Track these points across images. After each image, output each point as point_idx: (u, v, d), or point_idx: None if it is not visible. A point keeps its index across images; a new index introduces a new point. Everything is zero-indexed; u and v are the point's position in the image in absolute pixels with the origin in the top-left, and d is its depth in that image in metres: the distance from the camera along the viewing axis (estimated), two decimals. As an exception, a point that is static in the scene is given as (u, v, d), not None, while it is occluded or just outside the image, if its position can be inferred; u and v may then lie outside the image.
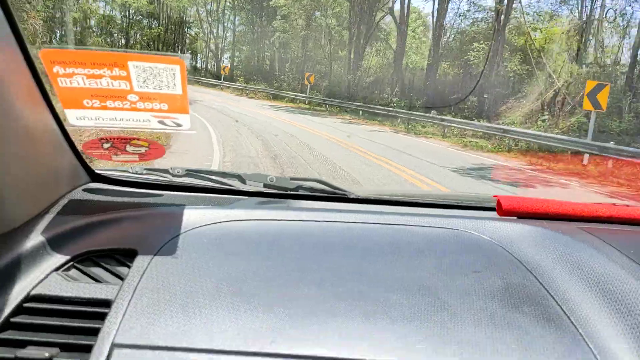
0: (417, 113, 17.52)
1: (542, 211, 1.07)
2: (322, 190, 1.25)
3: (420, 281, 0.77)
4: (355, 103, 20.71)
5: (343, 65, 28.58)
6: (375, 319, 0.68)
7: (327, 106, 21.87)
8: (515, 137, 12.62)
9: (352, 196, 1.25)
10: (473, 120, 15.54)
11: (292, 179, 1.25)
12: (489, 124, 14.69)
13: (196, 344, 0.62)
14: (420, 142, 13.35)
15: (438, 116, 16.04)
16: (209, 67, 39.52)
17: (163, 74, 0.80)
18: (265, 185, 1.23)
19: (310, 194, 1.24)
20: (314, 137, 11.30)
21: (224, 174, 1.23)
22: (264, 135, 10.15)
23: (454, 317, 0.69)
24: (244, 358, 0.61)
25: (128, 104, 0.83)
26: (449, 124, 15.29)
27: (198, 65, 39.97)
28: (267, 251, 0.83)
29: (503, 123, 15.09)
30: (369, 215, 0.98)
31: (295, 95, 24.75)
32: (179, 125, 0.89)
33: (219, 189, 1.19)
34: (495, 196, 1.13)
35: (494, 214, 1.13)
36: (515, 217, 1.07)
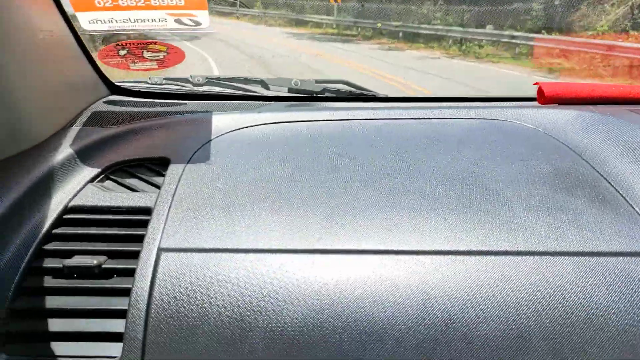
0: (472, 30, 13.65)
1: (586, 95, 1.00)
2: (349, 92, 1.20)
3: (464, 171, 0.74)
4: (392, 23, 16.09)
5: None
6: (423, 211, 0.66)
7: (359, 29, 17.61)
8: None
9: (380, 96, 1.19)
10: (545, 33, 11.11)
11: (317, 81, 1.19)
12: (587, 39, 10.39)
13: (242, 244, 0.61)
14: (491, 70, 8.94)
15: (505, 33, 11.97)
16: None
17: None
18: (289, 90, 1.18)
19: (337, 95, 1.18)
20: (352, 74, 8.21)
21: (246, 80, 1.17)
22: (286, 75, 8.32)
23: (505, 205, 0.67)
24: (291, 256, 0.60)
25: (142, 1, 0.77)
26: (525, 42, 10.59)
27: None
28: (301, 152, 0.80)
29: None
30: (402, 111, 0.93)
31: (321, 19, 20.29)
32: (197, 23, 0.83)
33: (243, 96, 1.14)
34: (536, 83, 1.07)
35: (535, 103, 1.07)
36: (557, 105, 1.01)
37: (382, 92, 1.21)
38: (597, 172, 0.73)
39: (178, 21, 0.82)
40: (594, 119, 0.86)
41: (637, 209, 0.65)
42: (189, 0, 0.78)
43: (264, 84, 1.18)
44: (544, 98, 1.02)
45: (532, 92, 1.12)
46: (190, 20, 0.82)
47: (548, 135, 0.84)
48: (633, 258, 0.58)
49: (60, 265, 0.62)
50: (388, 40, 14.61)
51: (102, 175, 0.78)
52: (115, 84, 1.04)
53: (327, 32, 18.54)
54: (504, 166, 0.75)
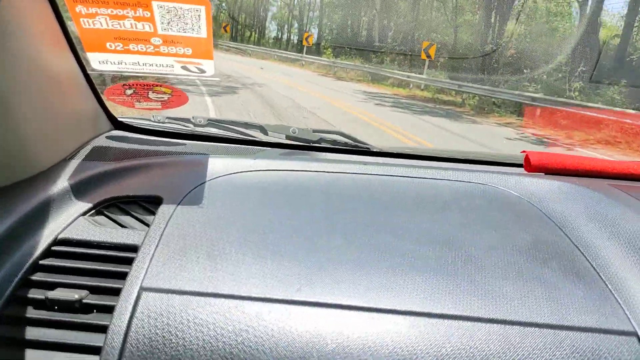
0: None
1: (572, 167, 1.04)
2: (345, 143, 1.23)
3: (446, 234, 0.76)
4: (525, 93, 11.04)
5: (475, 32, 17.46)
6: (401, 270, 0.67)
7: (465, 96, 12.11)
8: None
9: (374, 149, 1.23)
10: None
11: (314, 131, 1.23)
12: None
13: (222, 289, 0.62)
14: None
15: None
16: (292, 38, 32.38)
17: (187, 15, 0.77)
18: (287, 137, 1.21)
19: (332, 146, 1.22)
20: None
21: (246, 125, 1.21)
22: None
23: (481, 271, 0.68)
24: (269, 305, 0.61)
25: (151, 47, 0.81)
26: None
27: (278, 35, 33.20)
28: (291, 201, 0.82)
29: None
30: (393, 168, 0.96)
31: (408, 77, 14.52)
32: (202, 71, 0.87)
33: (241, 140, 1.18)
34: (523, 151, 1.10)
35: (521, 170, 1.10)
36: (543, 174, 1.04)
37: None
38: (574, 245, 0.75)
39: (185, 68, 0.86)
40: (576, 192, 0.89)
41: (610, 286, 0.67)
42: (197, 49, 0.83)
43: (263, 129, 1.22)
44: (530, 166, 1.06)
45: (521, 158, 1.16)
46: (196, 67, 0.87)
47: (530, 204, 0.87)
48: (601, 335, 0.59)
49: (43, 297, 0.63)
50: (512, 118, 10.26)
51: (95, 210, 0.79)
52: (119, 119, 1.08)
53: (414, 94, 13.41)
54: (485, 232, 0.77)
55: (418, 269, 0.68)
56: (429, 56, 14.28)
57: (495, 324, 0.60)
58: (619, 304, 0.64)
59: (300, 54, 22.45)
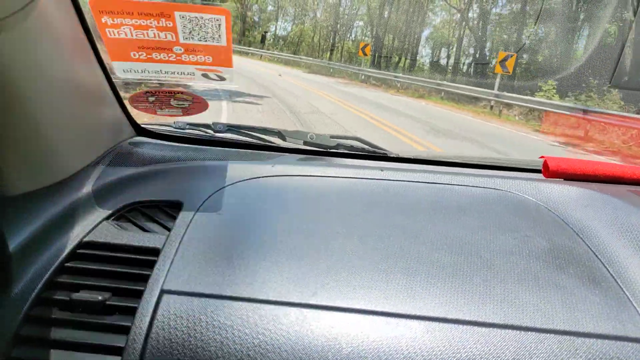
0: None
1: (590, 173, 1.03)
2: (362, 149, 1.24)
3: (462, 239, 0.76)
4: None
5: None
6: (417, 275, 0.68)
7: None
8: None
9: (392, 155, 1.23)
10: None
11: (332, 136, 1.24)
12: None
13: (240, 293, 0.64)
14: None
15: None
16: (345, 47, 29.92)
17: (208, 24, 0.79)
18: (305, 143, 1.23)
19: (350, 152, 1.23)
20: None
21: (265, 130, 1.23)
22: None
23: (497, 276, 0.68)
24: (285, 309, 0.62)
25: (173, 56, 0.84)
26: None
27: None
28: (309, 206, 0.83)
29: None
30: (410, 174, 0.96)
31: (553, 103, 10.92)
32: (222, 79, 0.89)
33: (260, 145, 1.20)
34: (542, 157, 1.10)
35: (539, 175, 1.09)
36: (561, 179, 1.04)
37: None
38: (592, 251, 0.75)
39: (205, 75, 0.88)
40: (595, 198, 0.88)
41: (627, 292, 0.66)
42: (217, 57, 0.85)
43: (281, 135, 1.24)
44: (548, 172, 1.05)
45: (539, 164, 1.15)
46: (217, 75, 0.89)
47: (548, 210, 0.86)
48: (618, 342, 0.59)
49: (68, 298, 0.66)
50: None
51: (118, 214, 0.82)
52: (141, 126, 1.11)
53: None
54: (501, 237, 0.77)
55: (434, 274, 0.68)
56: (505, 69, 12.47)
57: (510, 330, 0.60)
58: (637, 310, 0.63)
59: (359, 67, 18.78)
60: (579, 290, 0.67)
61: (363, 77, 17.70)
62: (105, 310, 0.65)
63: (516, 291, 0.66)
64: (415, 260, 0.71)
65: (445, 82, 14.76)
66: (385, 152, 1.24)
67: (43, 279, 0.67)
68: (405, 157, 1.24)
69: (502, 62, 12.26)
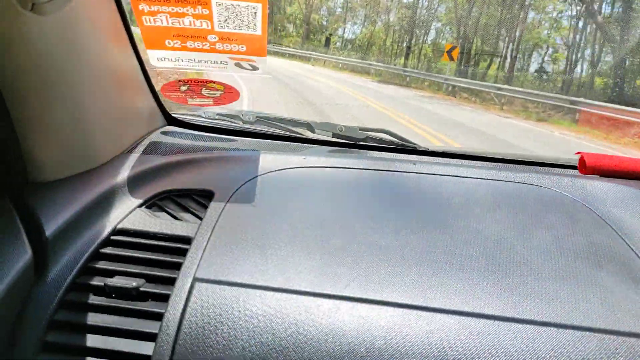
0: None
1: (628, 169, 0.99)
2: (391, 142, 1.22)
3: (497, 235, 0.74)
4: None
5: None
6: (450, 269, 0.66)
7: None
8: None
9: (421, 149, 1.21)
10: None
11: (360, 129, 1.23)
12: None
13: (272, 282, 0.63)
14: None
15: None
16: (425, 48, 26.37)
17: (244, 12, 0.78)
18: (334, 135, 1.22)
19: (379, 144, 1.22)
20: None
21: (294, 122, 1.22)
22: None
23: (534, 272, 0.67)
24: (318, 300, 0.61)
25: (207, 44, 0.83)
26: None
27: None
28: (340, 198, 0.82)
29: None
30: (442, 167, 0.95)
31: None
32: (255, 68, 0.89)
33: (289, 137, 1.19)
34: (578, 152, 1.06)
35: (575, 172, 1.06)
36: (598, 176, 1.01)
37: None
38: (631, 249, 0.72)
39: (238, 65, 0.88)
40: (633, 195, 0.85)
41: None
42: (251, 46, 0.84)
43: (310, 127, 1.23)
44: (585, 168, 1.02)
45: (574, 160, 1.12)
46: (250, 64, 0.88)
47: (586, 207, 0.84)
48: None
49: (102, 284, 0.66)
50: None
51: (151, 202, 0.82)
52: (172, 115, 1.11)
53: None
54: (537, 234, 0.75)
55: (468, 269, 0.67)
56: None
57: (547, 327, 0.58)
58: None
59: (442, 76, 15.23)
60: (619, 288, 0.64)
61: (450, 88, 14.28)
62: (139, 297, 0.66)
63: (554, 288, 0.64)
64: (449, 255, 0.69)
65: (582, 100, 10.08)
66: (414, 145, 1.22)
67: (78, 265, 0.68)
68: (435, 150, 1.22)
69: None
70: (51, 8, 0.58)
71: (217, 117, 1.18)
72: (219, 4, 0.77)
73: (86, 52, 0.70)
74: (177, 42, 0.82)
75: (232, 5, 0.77)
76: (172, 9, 0.76)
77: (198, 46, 0.84)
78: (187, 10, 0.77)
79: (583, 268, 0.68)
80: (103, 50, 0.74)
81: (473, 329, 0.58)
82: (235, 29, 0.81)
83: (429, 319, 0.59)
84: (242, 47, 0.84)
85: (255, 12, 0.79)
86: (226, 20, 0.79)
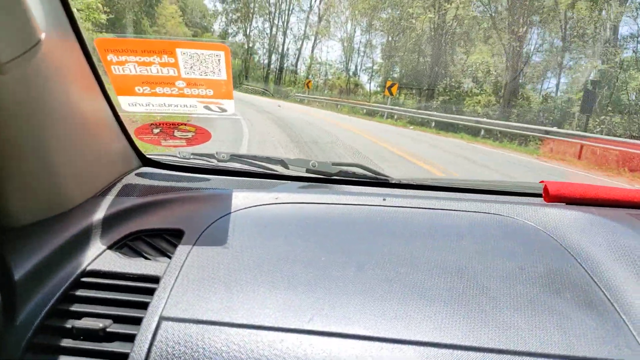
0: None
1: (590, 197, 1.03)
2: (364, 176, 1.26)
3: (459, 265, 0.77)
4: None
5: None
6: (412, 301, 0.68)
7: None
8: None
9: (393, 181, 1.25)
10: None
11: (333, 164, 1.26)
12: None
13: (237, 319, 0.65)
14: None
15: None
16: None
17: (209, 60, 0.83)
18: (307, 170, 1.25)
19: (352, 179, 1.25)
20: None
21: (268, 159, 1.26)
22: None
23: (493, 301, 0.69)
24: (281, 334, 0.63)
25: (176, 90, 0.87)
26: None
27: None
28: (308, 234, 0.85)
29: None
30: (409, 200, 0.98)
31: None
32: (223, 110, 0.92)
33: (263, 174, 1.22)
34: (542, 182, 1.10)
35: (540, 200, 1.10)
36: (562, 204, 1.04)
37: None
38: (590, 275, 0.75)
39: (207, 107, 0.92)
40: (593, 222, 0.88)
41: (624, 316, 0.66)
42: (217, 91, 0.88)
43: (283, 163, 1.26)
44: (549, 197, 1.06)
45: (541, 188, 1.16)
46: (218, 107, 0.92)
47: (547, 235, 0.87)
48: None
49: (70, 326, 0.67)
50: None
51: (122, 243, 0.84)
52: (147, 156, 1.14)
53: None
54: (498, 262, 0.78)
55: (429, 299, 0.69)
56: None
57: (505, 355, 0.60)
58: (633, 335, 0.63)
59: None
60: (575, 314, 0.67)
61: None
62: (106, 338, 0.67)
63: (511, 316, 0.66)
64: (411, 287, 0.71)
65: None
66: (387, 178, 1.26)
67: (47, 307, 0.69)
68: (407, 183, 1.25)
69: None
70: (13, 66, 0.60)
71: (191, 156, 1.21)
72: (184, 53, 0.81)
73: (54, 103, 0.72)
74: (146, 89, 0.86)
75: (197, 53, 0.81)
76: (140, 59, 0.80)
77: (167, 92, 0.87)
78: (154, 59, 0.81)
79: (541, 295, 0.71)
80: (71, 98, 0.77)
81: (432, 358, 0.60)
82: (201, 75, 0.85)
83: (390, 350, 0.61)
84: (209, 91, 0.88)
85: (219, 59, 0.83)
86: (192, 67, 0.83)
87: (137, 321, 0.67)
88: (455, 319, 0.65)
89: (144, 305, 0.69)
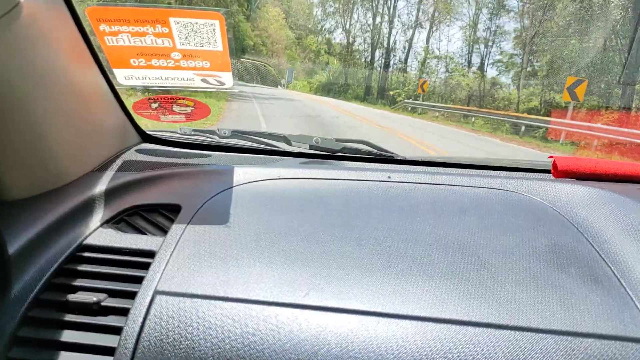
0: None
1: (600, 172, 1.00)
2: (369, 152, 1.23)
3: (460, 240, 0.75)
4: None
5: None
6: (411, 276, 0.67)
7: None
8: None
9: (398, 158, 1.22)
10: None
11: (337, 140, 1.24)
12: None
13: (232, 293, 0.64)
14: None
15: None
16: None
17: (203, 29, 0.80)
18: (310, 147, 1.23)
19: (356, 155, 1.22)
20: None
21: (270, 135, 1.24)
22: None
23: (494, 276, 0.67)
24: (277, 309, 0.62)
25: (172, 62, 0.85)
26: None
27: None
28: (308, 209, 0.83)
29: None
30: (413, 175, 0.95)
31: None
32: (221, 83, 0.90)
33: (265, 150, 1.20)
34: (550, 157, 1.07)
35: (549, 175, 1.07)
36: (572, 179, 1.01)
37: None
38: (596, 250, 0.72)
39: (204, 80, 0.90)
40: (601, 197, 0.85)
41: (630, 292, 0.64)
42: (214, 62, 0.86)
43: (286, 139, 1.24)
44: (558, 172, 1.03)
45: (550, 164, 1.13)
46: (216, 80, 0.90)
47: (553, 210, 0.84)
48: (617, 342, 0.56)
49: (65, 300, 0.67)
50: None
51: (118, 218, 0.83)
52: (147, 132, 1.13)
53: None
54: (501, 237, 0.76)
55: (428, 274, 0.67)
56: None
57: (505, 330, 0.59)
58: (639, 310, 0.61)
59: None
60: (579, 289, 0.65)
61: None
62: (101, 312, 0.66)
63: (513, 291, 0.64)
64: (410, 261, 0.70)
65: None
66: (391, 154, 1.23)
67: (41, 281, 0.69)
68: (413, 159, 1.23)
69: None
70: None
71: (192, 132, 1.19)
72: (178, 22, 0.79)
73: (47, 72, 0.71)
74: (142, 61, 0.84)
75: (191, 22, 0.79)
76: (133, 29, 0.78)
77: (163, 64, 0.85)
78: (147, 30, 0.79)
79: (545, 270, 0.69)
80: (62, 67, 0.75)
81: (429, 333, 0.59)
82: (196, 46, 0.82)
83: (387, 325, 0.60)
84: (205, 63, 0.86)
85: (213, 29, 0.80)
86: (187, 37, 0.81)
87: (132, 295, 0.67)
88: (454, 294, 0.64)
89: (139, 280, 0.69)
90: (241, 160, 1.10)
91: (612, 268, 0.68)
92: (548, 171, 1.15)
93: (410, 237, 0.75)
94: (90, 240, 0.76)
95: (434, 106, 19.31)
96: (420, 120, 16.18)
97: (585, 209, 0.83)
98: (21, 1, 0.57)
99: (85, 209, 0.82)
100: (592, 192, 0.88)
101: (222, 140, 1.20)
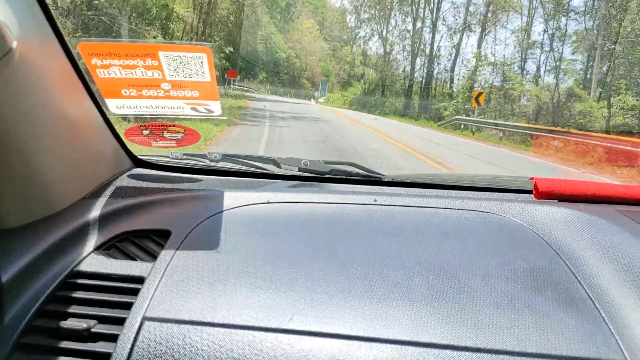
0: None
1: (580, 193, 1.03)
2: (357, 174, 1.26)
3: (441, 263, 0.77)
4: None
5: None
6: (393, 300, 0.69)
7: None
8: None
9: (386, 179, 1.25)
10: None
11: (326, 162, 1.27)
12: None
13: (219, 319, 0.66)
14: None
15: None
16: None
17: (191, 62, 0.83)
18: (299, 169, 1.25)
19: (344, 177, 1.25)
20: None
21: (260, 158, 1.26)
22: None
23: (473, 300, 0.69)
24: (261, 334, 0.64)
25: (162, 92, 0.88)
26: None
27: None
28: (295, 233, 0.85)
29: None
30: (397, 198, 0.98)
31: None
32: (210, 111, 0.93)
33: (255, 173, 1.23)
34: (532, 178, 1.10)
35: (530, 196, 1.10)
36: (552, 200, 1.04)
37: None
38: (572, 272, 0.75)
39: (194, 109, 0.92)
40: (581, 219, 0.88)
41: (603, 314, 0.66)
42: (203, 92, 0.89)
43: (276, 162, 1.27)
44: (539, 193, 1.05)
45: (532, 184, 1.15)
46: (205, 108, 0.93)
47: (533, 232, 0.87)
48: None
49: (56, 326, 0.69)
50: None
51: (109, 244, 0.85)
52: (139, 157, 1.15)
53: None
54: (481, 260, 0.78)
55: (409, 298, 0.69)
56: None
57: (482, 353, 0.61)
58: (612, 332, 0.63)
59: None
60: (554, 312, 0.67)
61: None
62: (91, 338, 0.68)
63: (491, 314, 0.66)
64: (392, 285, 0.72)
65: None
66: (379, 176, 1.26)
67: (34, 308, 0.70)
68: (399, 181, 1.25)
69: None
70: None
71: (184, 157, 1.22)
72: (167, 56, 0.82)
73: (39, 106, 0.73)
74: (132, 91, 0.87)
75: (179, 56, 0.82)
76: (124, 62, 0.81)
77: (153, 94, 0.88)
78: (138, 63, 0.82)
79: (522, 293, 0.71)
80: (57, 102, 0.78)
81: (409, 357, 0.61)
82: (185, 77, 0.85)
83: (368, 349, 0.62)
84: (194, 92, 0.89)
85: (201, 62, 0.84)
86: (176, 69, 0.84)
87: (121, 321, 0.68)
88: (434, 318, 0.66)
89: (128, 306, 0.71)
90: (231, 184, 1.13)
91: (587, 290, 0.71)
92: (530, 191, 1.18)
93: (393, 261, 0.78)
94: (81, 267, 0.78)
95: (496, 124, 15.77)
96: (476, 141, 14.01)
97: (564, 231, 0.86)
98: (13, 47, 0.59)
99: (77, 236, 0.84)
100: (571, 214, 0.91)
101: (212, 164, 1.23)
